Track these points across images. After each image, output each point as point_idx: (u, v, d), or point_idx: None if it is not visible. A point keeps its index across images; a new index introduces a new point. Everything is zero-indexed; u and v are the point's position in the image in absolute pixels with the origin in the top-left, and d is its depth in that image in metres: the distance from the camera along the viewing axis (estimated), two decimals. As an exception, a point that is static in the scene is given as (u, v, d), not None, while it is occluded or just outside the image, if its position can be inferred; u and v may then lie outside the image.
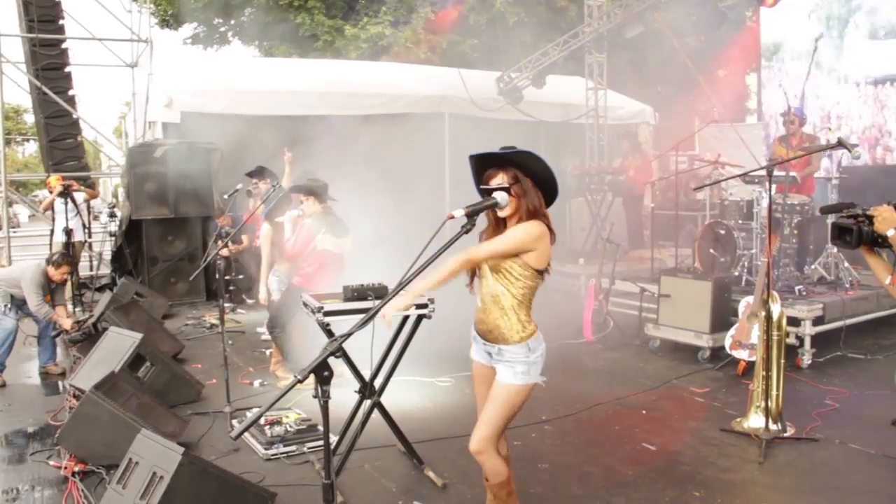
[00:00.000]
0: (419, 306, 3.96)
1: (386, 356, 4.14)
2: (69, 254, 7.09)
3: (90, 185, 10.82)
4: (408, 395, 5.32)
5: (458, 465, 4.09)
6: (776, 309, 4.69)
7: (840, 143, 4.36)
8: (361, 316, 2.33)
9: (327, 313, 3.97)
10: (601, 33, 10.38)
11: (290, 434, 4.49)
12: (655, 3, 9.49)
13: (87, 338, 6.14)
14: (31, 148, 34.37)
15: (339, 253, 5.59)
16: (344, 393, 4.00)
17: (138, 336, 5.33)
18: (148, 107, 10.50)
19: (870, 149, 9.68)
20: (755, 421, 4.59)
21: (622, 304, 7.58)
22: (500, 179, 2.81)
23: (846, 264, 6.87)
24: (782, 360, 4.64)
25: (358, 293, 4.09)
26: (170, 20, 19.32)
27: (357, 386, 4.08)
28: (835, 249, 6.89)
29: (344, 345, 2.21)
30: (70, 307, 8.67)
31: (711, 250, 7.12)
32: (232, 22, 19.52)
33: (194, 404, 5.41)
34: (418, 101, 10.82)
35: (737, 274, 6.81)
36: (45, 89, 10.67)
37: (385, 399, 4.14)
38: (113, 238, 9.98)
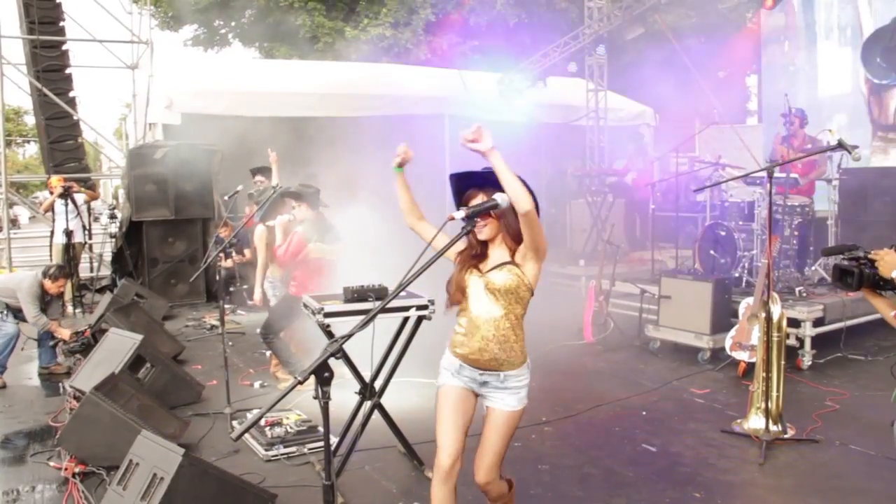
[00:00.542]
0: (419, 307, 3.96)
1: (386, 357, 4.13)
2: (66, 266, 7.01)
3: (91, 186, 10.81)
4: (408, 396, 5.31)
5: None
6: (776, 310, 4.69)
7: (840, 145, 4.37)
8: (362, 317, 2.33)
9: (328, 314, 3.97)
10: (601, 35, 10.39)
11: (290, 435, 4.49)
12: (655, 5, 9.50)
13: (86, 348, 6.12)
14: (32, 149, 34.37)
15: (332, 260, 5.58)
16: (344, 394, 4.00)
17: (139, 337, 5.33)
18: (148, 108, 10.51)
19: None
20: (755, 422, 4.59)
21: (622, 306, 7.58)
22: (479, 200, 2.75)
23: (846, 265, 6.85)
24: (782, 362, 4.64)
25: (358, 294, 4.09)
26: (170, 22, 19.37)
27: (357, 387, 4.07)
28: (835, 250, 6.88)
29: (344, 346, 2.21)
30: (70, 308, 8.71)
31: (712, 251, 7.13)
32: (232, 23, 19.57)
33: (194, 405, 5.41)
34: (418, 102, 10.82)
35: (737, 275, 6.82)
36: (45, 91, 10.66)
37: (385, 400, 4.14)
38: (113, 239, 9.97)
